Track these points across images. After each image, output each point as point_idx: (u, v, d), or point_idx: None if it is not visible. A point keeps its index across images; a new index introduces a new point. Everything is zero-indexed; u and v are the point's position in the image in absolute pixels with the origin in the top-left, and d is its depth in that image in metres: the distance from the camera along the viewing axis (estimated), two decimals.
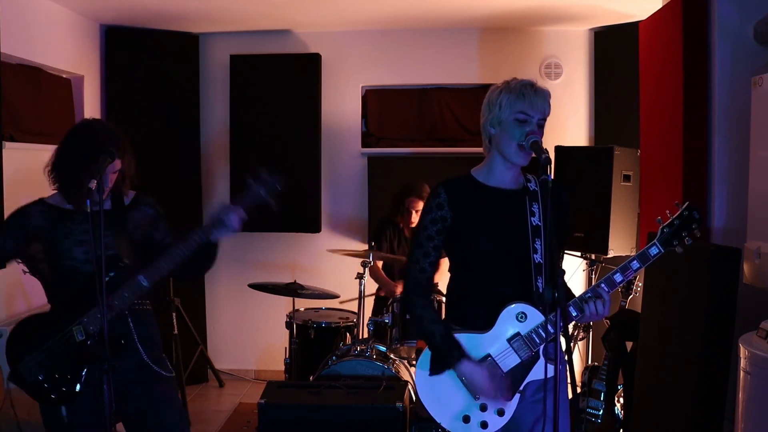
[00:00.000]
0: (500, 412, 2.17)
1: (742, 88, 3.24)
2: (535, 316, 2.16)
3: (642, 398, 3.46)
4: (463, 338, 2.21)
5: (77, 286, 2.40)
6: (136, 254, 2.53)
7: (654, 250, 2.16)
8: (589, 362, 4.83)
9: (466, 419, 2.18)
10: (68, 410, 2.38)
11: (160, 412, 2.48)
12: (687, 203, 2.17)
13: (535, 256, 2.20)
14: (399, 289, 4.52)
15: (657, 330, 3.39)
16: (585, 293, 2.16)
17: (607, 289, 2.16)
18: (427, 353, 2.26)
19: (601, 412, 3.75)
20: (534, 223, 2.23)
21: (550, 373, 2.08)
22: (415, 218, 4.80)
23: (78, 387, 2.35)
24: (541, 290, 2.20)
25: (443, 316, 2.38)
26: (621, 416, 3.79)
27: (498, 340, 2.17)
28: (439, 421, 2.22)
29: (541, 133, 2.22)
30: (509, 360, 2.17)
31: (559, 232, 2.31)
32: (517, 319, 2.16)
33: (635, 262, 2.18)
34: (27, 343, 2.39)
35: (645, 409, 3.42)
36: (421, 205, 4.80)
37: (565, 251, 4.10)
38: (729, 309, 2.90)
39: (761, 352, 2.45)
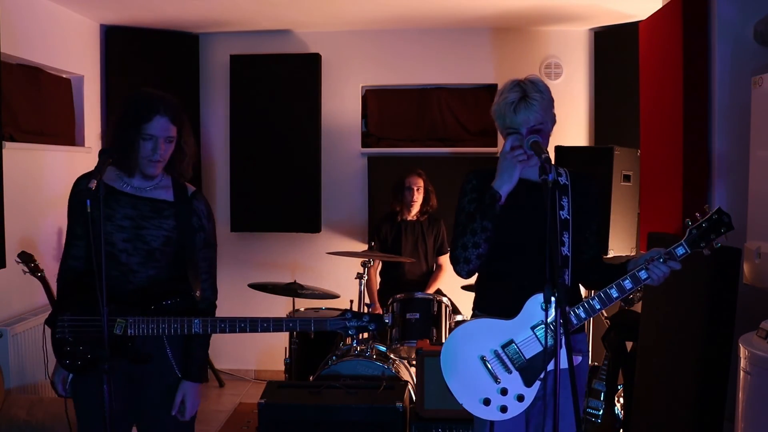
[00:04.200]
0: (520, 398, 2.23)
1: (742, 88, 3.24)
2: None
3: (642, 398, 3.46)
4: (489, 323, 2.27)
5: (114, 275, 2.34)
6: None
7: (681, 251, 2.20)
8: (589, 362, 4.83)
9: (487, 402, 2.23)
10: (100, 396, 2.32)
11: (168, 412, 2.43)
12: (718, 207, 2.20)
13: (562, 248, 2.27)
14: (380, 311, 4.56)
15: (657, 330, 3.39)
16: (638, 270, 2.19)
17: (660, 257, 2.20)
18: (454, 333, 2.31)
19: (601, 412, 3.74)
20: (563, 217, 2.29)
21: (566, 365, 2.09)
22: (417, 195, 4.84)
23: (88, 364, 2.33)
24: (567, 282, 2.27)
25: (473, 304, 2.45)
26: (621, 416, 3.79)
27: (522, 327, 2.23)
28: (461, 402, 2.27)
29: (543, 136, 2.26)
30: (532, 347, 2.22)
31: (591, 226, 2.40)
32: (541, 309, 2.20)
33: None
34: (72, 300, 2.36)
35: (645, 409, 3.42)
36: (420, 181, 4.85)
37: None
38: (729, 309, 2.90)
39: (761, 352, 2.45)
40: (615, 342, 3.79)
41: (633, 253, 4.36)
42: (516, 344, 2.23)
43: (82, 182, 2.42)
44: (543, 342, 2.20)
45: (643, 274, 2.19)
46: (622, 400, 3.85)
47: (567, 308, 2.20)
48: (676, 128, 3.54)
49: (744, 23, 3.32)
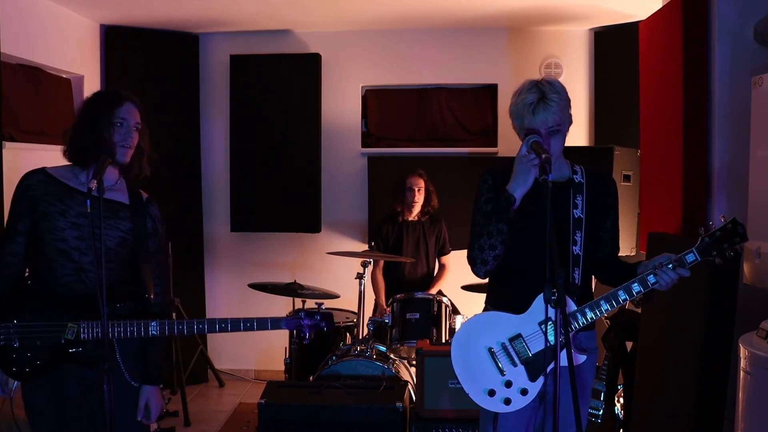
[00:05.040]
0: (523, 392, 2.26)
1: (742, 88, 3.24)
2: (569, 305, 2.22)
3: (642, 398, 3.46)
4: (497, 316, 2.30)
5: (66, 272, 2.34)
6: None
7: (691, 257, 2.22)
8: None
9: (492, 393, 2.27)
10: (55, 403, 2.35)
11: (116, 416, 2.35)
12: (733, 218, 2.21)
13: (574, 247, 2.30)
14: (387, 309, 4.54)
15: (657, 330, 3.39)
16: (647, 274, 2.22)
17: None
18: (465, 324, 2.35)
19: (601, 412, 3.74)
20: (576, 216, 2.32)
21: (569, 362, 2.10)
22: (418, 196, 4.82)
23: (37, 370, 2.31)
24: (577, 281, 2.31)
25: (485, 300, 2.49)
26: (621, 416, 3.79)
27: (530, 322, 2.27)
28: (467, 392, 2.30)
29: (559, 138, 2.30)
30: (538, 342, 2.26)
31: (605, 224, 2.41)
32: (549, 306, 2.20)
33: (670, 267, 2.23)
34: (15, 306, 2.32)
35: (645, 409, 3.42)
36: (421, 182, 4.84)
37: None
38: (729, 309, 2.90)
39: (761, 352, 2.44)
40: (615, 342, 3.79)
41: (633, 253, 4.36)
42: (523, 338, 2.26)
43: (30, 178, 2.43)
44: (549, 339, 2.23)
45: (651, 279, 2.22)
46: (622, 400, 3.85)
47: (576, 307, 2.23)
48: (676, 128, 3.54)
49: (744, 23, 3.32)
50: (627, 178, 4.37)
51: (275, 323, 2.48)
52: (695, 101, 3.44)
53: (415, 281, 4.87)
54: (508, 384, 2.26)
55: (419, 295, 4.40)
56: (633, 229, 4.41)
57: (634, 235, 4.41)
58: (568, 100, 2.33)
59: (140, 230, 2.45)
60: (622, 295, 2.24)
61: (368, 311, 4.80)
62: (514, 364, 2.26)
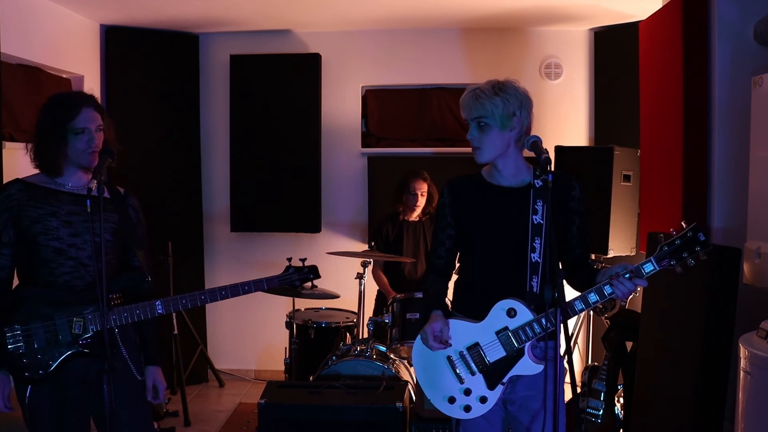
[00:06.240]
0: (482, 399, 2.28)
1: (742, 88, 3.24)
2: (525, 314, 2.23)
3: (642, 398, 3.46)
4: (457, 324, 2.31)
5: (65, 270, 2.36)
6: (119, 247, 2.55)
7: (648, 267, 2.13)
8: (589, 362, 4.83)
9: (452, 400, 2.31)
10: (54, 403, 2.36)
11: (126, 411, 2.42)
12: (694, 224, 2.12)
13: (532, 255, 2.25)
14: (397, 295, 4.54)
15: (657, 330, 3.39)
16: (603, 284, 2.15)
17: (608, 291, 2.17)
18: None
19: (601, 412, 3.74)
20: (535, 222, 2.26)
21: (548, 370, 2.11)
22: (420, 200, 4.82)
23: (51, 370, 2.33)
24: (535, 289, 2.26)
25: (450, 306, 2.50)
26: (621, 416, 3.80)
27: (487, 331, 2.27)
28: (429, 398, 2.35)
29: (490, 133, 2.24)
30: (495, 351, 2.26)
31: (570, 228, 2.35)
32: (507, 315, 2.24)
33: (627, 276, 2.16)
34: (15, 312, 2.32)
35: (645, 409, 3.42)
36: (425, 186, 4.84)
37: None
38: (729, 309, 2.90)
39: (761, 352, 2.45)
40: (615, 342, 3.79)
41: (633, 253, 4.36)
42: (480, 347, 2.27)
43: (8, 188, 2.43)
44: (506, 348, 2.24)
45: (608, 289, 2.15)
46: (622, 400, 3.85)
47: (533, 316, 2.21)
48: (676, 128, 3.54)
49: (744, 23, 3.32)
50: (627, 178, 4.37)
51: (270, 282, 2.66)
52: (695, 101, 3.44)
53: (416, 281, 4.87)
54: (467, 392, 2.28)
55: (419, 295, 4.39)
56: (633, 229, 4.41)
57: (634, 235, 4.41)
58: (516, 103, 2.24)
59: (126, 221, 2.52)
60: (579, 305, 2.18)
61: (368, 311, 4.80)
62: (473, 373, 2.28)
